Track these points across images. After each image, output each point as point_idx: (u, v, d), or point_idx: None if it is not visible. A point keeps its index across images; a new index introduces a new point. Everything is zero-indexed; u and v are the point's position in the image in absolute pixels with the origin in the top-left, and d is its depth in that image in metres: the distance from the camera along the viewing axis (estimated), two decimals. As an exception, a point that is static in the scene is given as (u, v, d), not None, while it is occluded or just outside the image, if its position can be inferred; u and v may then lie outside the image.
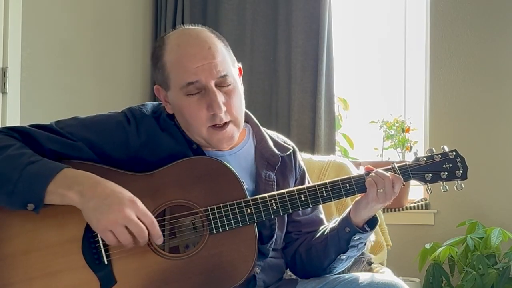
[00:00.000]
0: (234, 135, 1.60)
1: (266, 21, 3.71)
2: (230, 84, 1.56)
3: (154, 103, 1.69)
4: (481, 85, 3.56)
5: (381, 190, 1.55)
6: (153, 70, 1.62)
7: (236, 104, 1.58)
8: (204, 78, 1.52)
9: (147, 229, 1.44)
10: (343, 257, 1.66)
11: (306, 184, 1.74)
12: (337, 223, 1.66)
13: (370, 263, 2.05)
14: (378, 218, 1.65)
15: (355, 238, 1.62)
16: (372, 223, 1.63)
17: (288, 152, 1.73)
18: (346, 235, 1.62)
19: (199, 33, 1.58)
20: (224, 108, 1.54)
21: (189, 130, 1.59)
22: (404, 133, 3.62)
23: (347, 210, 1.64)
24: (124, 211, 1.42)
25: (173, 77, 1.56)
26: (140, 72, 3.67)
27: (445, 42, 3.61)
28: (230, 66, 1.59)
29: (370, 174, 1.58)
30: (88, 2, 3.21)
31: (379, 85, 4.03)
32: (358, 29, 4.05)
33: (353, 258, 1.72)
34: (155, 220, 1.46)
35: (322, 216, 1.78)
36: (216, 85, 1.54)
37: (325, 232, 1.69)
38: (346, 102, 3.88)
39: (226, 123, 1.56)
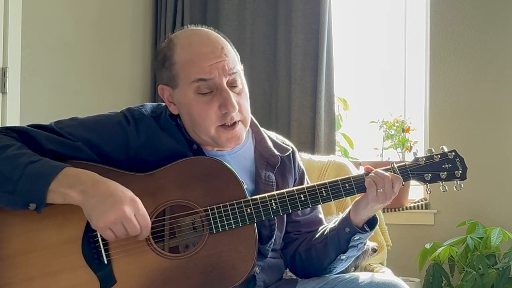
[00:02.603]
0: (242, 135, 1.60)
1: (266, 21, 3.71)
2: (239, 85, 1.58)
3: (153, 103, 1.69)
4: (481, 85, 3.56)
5: (381, 190, 1.55)
6: (159, 69, 1.61)
7: (245, 104, 1.59)
8: (217, 76, 1.53)
9: (141, 228, 1.45)
10: (343, 257, 1.66)
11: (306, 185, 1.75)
12: (336, 223, 1.66)
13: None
14: (378, 218, 1.65)
15: (355, 238, 1.62)
16: (372, 223, 1.63)
17: (287, 153, 1.73)
18: (346, 235, 1.62)
19: (209, 33, 1.60)
20: (237, 107, 1.55)
21: (196, 129, 1.58)
22: (404, 133, 3.62)
23: (347, 210, 1.64)
24: (124, 210, 1.42)
25: (183, 75, 1.56)
26: (140, 72, 3.67)
27: (445, 42, 3.61)
28: (238, 66, 1.60)
29: (370, 174, 1.58)
30: (88, 2, 3.21)
31: (379, 85, 4.03)
32: (358, 29, 4.05)
33: (353, 258, 1.72)
34: (149, 224, 1.47)
35: (321, 216, 1.79)
36: (227, 85, 1.55)
37: (325, 232, 1.69)
38: (346, 102, 3.88)
39: (235, 123, 1.57)
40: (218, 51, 1.55)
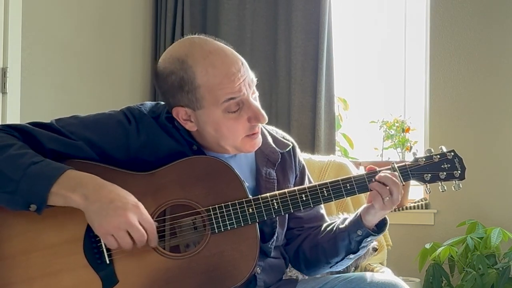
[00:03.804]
0: (261, 138, 1.62)
1: (266, 21, 3.72)
2: (256, 91, 1.59)
3: (152, 102, 1.68)
4: (481, 85, 3.56)
5: (387, 198, 1.55)
6: (174, 93, 1.55)
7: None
8: (245, 93, 1.53)
9: (147, 234, 1.44)
10: (352, 256, 1.68)
11: (306, 180, 1.76)
12: (346, 224, 1.66)
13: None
14: (388, 219, 1.66)
15: (367, 240, 1.64)
16: (381, 224, 1.65)
17: (288, 148, 1.73)
18: (359, 237, 1.63)
19: (225, 49, 1.55)
20: (266, 117, 1.57)
21: (222, 142, 1.57)
22: (404, 133, 3.62)
23: (357, 213, 1.64)
24: (127, 216, 1.42)
25: (211, 97, 1.52)
26: (140, 72, 3.67)
27: (445, 42, 3.61)
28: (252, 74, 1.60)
29: (372, 184, 1.57)
30: (88, 2, 3.21)
31: (379, 85, 4.03)
32: (358, 29, 4.05)
33: (359, 256, 1.73)
34: (155, 226, 1.46)
35: (323, 211, 1.79)
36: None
37: (332, 232, 1.69)
38: (346, 102, 3.88)
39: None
40: (241, 67, 1.53)
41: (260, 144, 1.62)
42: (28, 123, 1.57)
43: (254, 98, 1.57)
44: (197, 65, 1.51)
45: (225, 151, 1.61)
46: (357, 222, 1.63)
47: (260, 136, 1.61)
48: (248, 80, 1.54)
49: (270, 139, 1.71)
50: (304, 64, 3.62)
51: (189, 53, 1.53)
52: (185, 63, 1.52)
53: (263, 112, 1.56)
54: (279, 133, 1.79)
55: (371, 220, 1.61)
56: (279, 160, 1.69)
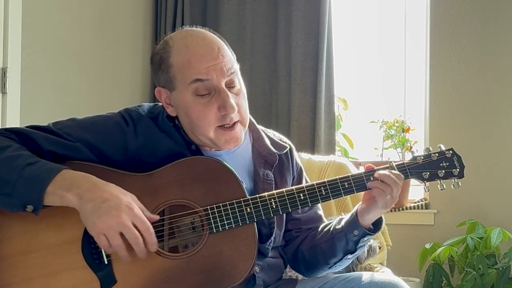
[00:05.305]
0: (241, 135, 1.59)
1: (266, 21, 3.72)
2: (236, 85, 1.57)
3: (150, 104, 1.68)
4: (481, 84, 3.56)
5: (389, 196, 1.55)
6: (156, 72, 1.60)
7: (243, 104, 1.59)
8: (215, 78, 1.52)
9: (142, 236, 1.43)
10: (350, 256, 1.67)
11: (304, 182, 1.75)
12: (342, 224, 1.66)
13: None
14: (383, 217, 1.66)
15: (364, 239, 1.64)
16: (377, 222, 1.64)
17: (285, 151, 1.73)
18: (355, 237, 1.63)
19: (205, 34, 1.58)
20: (236, 108, 1.54)
21: (195, 131, 1.58)
22: (404, 133, 3.62)
23: (353, 212, 1.64)
24: (120, 216, 1.40)
25: (180, 77, 1.55)
26: (140, 72, 3.67)
27: (445, 42, 3.61)
28: (236, 66, 1.59)
29: (375, 182, 1.57)
30: (88, 2, 3.22)
31: (379, 85, 4.03)
32: (358, 29, 4.05)
33: (357, 256, 1.73)
34: (151, 227, 1.44)
35: (321, 212, 1.79)
36: (225, 86, 1.54)
37: (329, 232, 1.69)
38: (346, 102, 3.88)
39: (234, 123, 1.56)
40: (215, 52, 1.54)
41: (240, 142, 1.60)
42: (26, 127, 1.58)
43: (236, 92, 1.56)
44: (174, 45, 1.57)
45: (205, 144, 1.60)
46: (353, 222, 1.63)
47: (238, 132, 1.58)
48: (222, 67, 1.53)
49: (267, 141, 1.71)
50: (304, 64, 3.62)
51: (173, 35, 1.60)
52: (167, 44, 1.59)
53: (232, 102, 1.53)
54: (276, 135, 1.79)
55: (369, 219, 1.61)
56: (277, 161, 1.69)
